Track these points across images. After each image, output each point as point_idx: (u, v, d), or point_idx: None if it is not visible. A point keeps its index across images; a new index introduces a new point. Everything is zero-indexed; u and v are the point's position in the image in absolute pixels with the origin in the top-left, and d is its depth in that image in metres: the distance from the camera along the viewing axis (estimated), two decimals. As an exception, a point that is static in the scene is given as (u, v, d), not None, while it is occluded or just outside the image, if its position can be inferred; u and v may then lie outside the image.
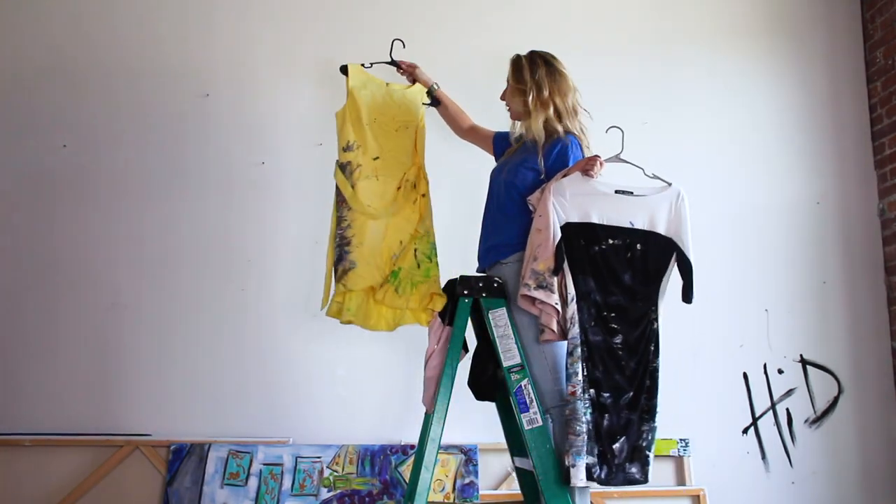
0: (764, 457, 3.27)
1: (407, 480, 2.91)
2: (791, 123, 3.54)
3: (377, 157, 2.63)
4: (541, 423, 2.20)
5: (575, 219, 2.25)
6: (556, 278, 2.21)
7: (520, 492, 2.53)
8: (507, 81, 2.51)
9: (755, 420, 3.29)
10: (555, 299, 2.20)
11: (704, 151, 3.45)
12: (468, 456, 3.03)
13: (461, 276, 2.34)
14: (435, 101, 2.75)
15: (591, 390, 2.20)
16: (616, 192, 2.28)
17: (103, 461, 2.96)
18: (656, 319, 2.27)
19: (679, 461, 3.18)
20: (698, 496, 3.13)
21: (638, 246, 2.27)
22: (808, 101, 3.56)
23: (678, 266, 2.29)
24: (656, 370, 2.25)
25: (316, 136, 3.26)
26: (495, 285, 2.31)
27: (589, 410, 2.18)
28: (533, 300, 2.23)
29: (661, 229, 2.29)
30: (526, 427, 2.19)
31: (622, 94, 3.37)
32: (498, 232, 2.40)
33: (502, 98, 2.54)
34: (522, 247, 2.30)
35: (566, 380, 2.21)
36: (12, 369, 3.03)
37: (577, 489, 2.21)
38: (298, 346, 3.12)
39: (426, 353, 2.35)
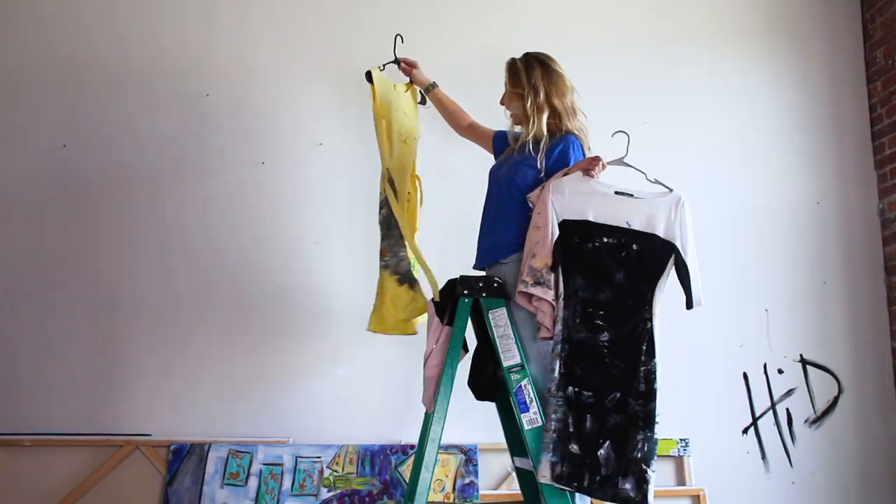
0: (764, 457, 3.27)
1: (407, 480, 2.92)
2: (791, 123, 3.54)
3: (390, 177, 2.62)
4: (541, 422, 2.20)
5: (571, 216, 2.24)
6: (553, 275, 2.21)
7: (520, 492, 2.53)
8: (505, 86, 2.50)
9: (755, 420, 3.29)
10: (551, 296, 2.19)
11: (704, 151, 3.45)
12: (468, 456, 3.03)
13: (461, 276, 2.34)
14: (424, 100, 2.77)
15: (570, 388, 2.16)
16: (616, 192, 2.28)
17: (103, 461, 2.96)
18: (650, 319, 2.21)
19: (679, 461, 3.18)
20: (698, 496, 3.13)
21: (634, 246, 2.25)
22: (808, 101, 3.56)
23: (676, 271, 2.25)
24: (652, 373, 2.16)
25: (316, 136, 3.27)
26: (495, 285, 2.31)
27: (562, 409, 2.15)
28: (530, 297, 2.23)
29: (660, 232, 2.26)
30: (526, 427, 2.19)
31: (622, 94, 3.37)
32: (497, 231, 2.40)
33: (501, 103, 2.54)
34: (522, 246, 2.30)
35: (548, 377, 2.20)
36: (12, 369, 3.03)
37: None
38: (298, 346, 3.12)
39: (425, 353, 2.35)
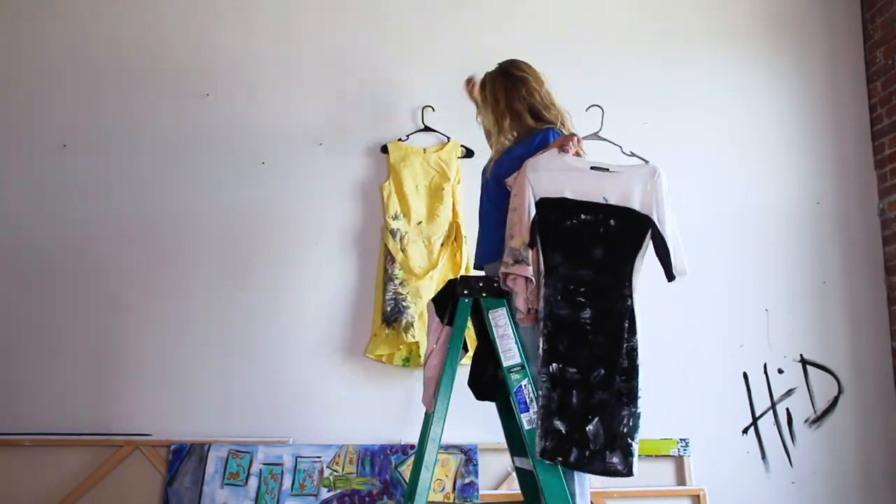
0: (764, 457, 3.27)
1: (407, 480, 2.91)
2: (791, 123, 3.54)
3: (420, 222, 3.10)
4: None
5: (548, 194, 2.24)
6: (531, 252, 2.20)
7: (520, 492, 2.53)
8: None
9: (755, 420, 3.29)
10: (529, 272, 2.19)
11: (704, 151, 3.45)
12: (468, 456, 3.03)
13: (461, 276, 2.35)
14: (469, 151, 3.17)
15: (554, 364, 2.17)
16: (592, 168, 2.27)
17: (103, 461, 2.96)
18: (630, 296, 2.21)
19: (679, 461, 3.18)
20: (698, 496, 3.13)
21: (611, 221, 2.24)
22: (808, 101, 3.56)
23: (653, 243, 2.25)
24: (634, 350, 2.18)
25: (316, 136, 3.27)
26: (495, 285, 2.31)
27: (546, 384, 2.16)
28: (514, 278, 2.23)
29: (636, 205, 2.26)
30: (526, 427, 2.19)
31: (622, 94, 3.37)
32: (495, 229, 2.40)
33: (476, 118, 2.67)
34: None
35: None
36: (12, 369, 3.03)
37: (577, 490, 2.21)
38: (298, 345, 3.12)
39: (425, 353, 2.35)
